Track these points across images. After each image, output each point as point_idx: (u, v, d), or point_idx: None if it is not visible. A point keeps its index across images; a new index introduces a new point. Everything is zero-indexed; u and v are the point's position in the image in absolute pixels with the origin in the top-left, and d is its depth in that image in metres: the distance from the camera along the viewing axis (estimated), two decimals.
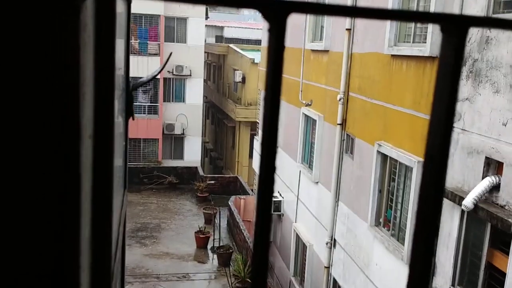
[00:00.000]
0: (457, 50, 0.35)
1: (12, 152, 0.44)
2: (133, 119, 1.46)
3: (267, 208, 0.42)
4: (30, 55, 0.42)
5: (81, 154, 0.45)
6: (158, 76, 24.94)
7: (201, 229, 17.96)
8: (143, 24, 25.17)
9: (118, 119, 1.24)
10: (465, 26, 0.35)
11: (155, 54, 25.13)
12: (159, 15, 25.06)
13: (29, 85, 0.42)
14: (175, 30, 26.04)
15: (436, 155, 0.41)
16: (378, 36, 9.11)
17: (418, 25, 8.27)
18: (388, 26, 8.71)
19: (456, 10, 6.86)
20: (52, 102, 0.42)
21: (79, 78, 0.43)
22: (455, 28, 0.34)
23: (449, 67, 0.34)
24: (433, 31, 7.44)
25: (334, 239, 10.92)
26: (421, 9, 8.10)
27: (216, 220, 18.44)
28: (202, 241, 17.74)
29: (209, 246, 17.71)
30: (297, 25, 13.22)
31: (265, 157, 0.40)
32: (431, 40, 7.44)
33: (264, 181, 0.42)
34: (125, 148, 1.43)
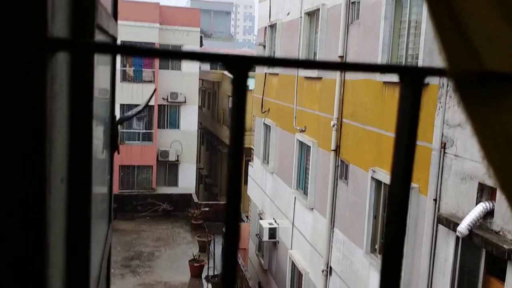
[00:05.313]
0: (414, 99, 0.35)
1: None
2: (118, 153, 1.46)
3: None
4: None
5: (47, 199, 0.45)
6: (153, 103, 25.06)
7: (195, 257, 17.74)
8: None
9: (103, 154, 1.24)
10: (420, 76, 0.36)
11: (150, 81, 25.30)
12: (154, 43, 25.33)
13: None
14: None
15: (396, 205, 0.41)
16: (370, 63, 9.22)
17: (410, 52, 8.41)
18: (380, 53, 8.84)
19: None
20: (15, 149, 0.42)
21: (46, 126, 0.43)
22: (411, 79, 0.35)
23: (407, 115, 0.35)
24: (423, 58, 7.55)
25: (330, 267, 10.80)
26: (411, 43, 8.23)
27: (210, 248, 18.24)
28: (196, 269, 17.49)
29: (203, 275, 17.46)
30: (291, 51, 13.40)
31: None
32: (423, 66, 7.53)
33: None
34: (110, 183, 1.43)
